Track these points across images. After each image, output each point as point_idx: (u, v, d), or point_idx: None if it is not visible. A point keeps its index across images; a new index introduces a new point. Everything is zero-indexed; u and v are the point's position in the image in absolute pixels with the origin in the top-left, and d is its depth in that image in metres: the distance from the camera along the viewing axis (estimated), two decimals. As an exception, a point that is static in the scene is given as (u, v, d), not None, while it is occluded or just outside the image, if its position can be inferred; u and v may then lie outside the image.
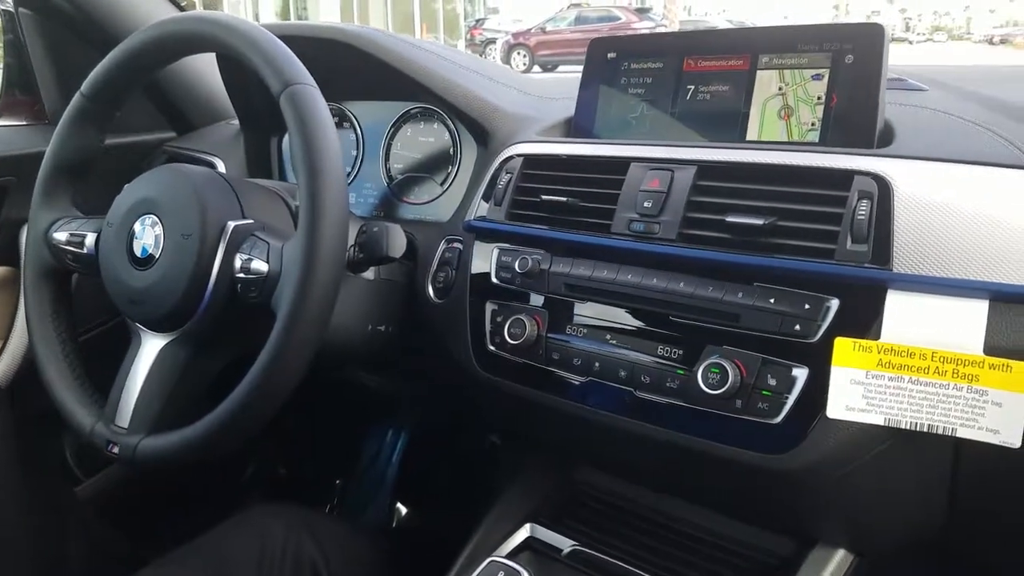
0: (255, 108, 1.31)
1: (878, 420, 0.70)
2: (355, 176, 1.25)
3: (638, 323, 0.84)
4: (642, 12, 18.90)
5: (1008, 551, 0.87)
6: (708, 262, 0.79)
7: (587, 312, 0.87)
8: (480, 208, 0.99)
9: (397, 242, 0.92)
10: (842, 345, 0.71)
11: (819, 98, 0.84)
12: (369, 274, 1.00)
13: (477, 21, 26.84)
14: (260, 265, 0.80)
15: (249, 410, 0.77)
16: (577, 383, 0.87)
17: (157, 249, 0.84)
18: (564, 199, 0.90)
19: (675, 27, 15.59)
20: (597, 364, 0.85)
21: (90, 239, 0.92)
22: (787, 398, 0.74)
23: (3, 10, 1.28)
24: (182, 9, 1.41)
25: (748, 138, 0.88)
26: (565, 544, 0.98)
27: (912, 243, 0.69)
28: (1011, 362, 0.66)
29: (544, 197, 0.91)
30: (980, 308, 0.67)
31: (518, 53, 17.98)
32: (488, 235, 0.97)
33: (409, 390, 1.36)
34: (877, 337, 0.70)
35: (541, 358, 0.89)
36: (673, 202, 0.82)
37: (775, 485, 0.79)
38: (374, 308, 1.02)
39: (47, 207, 0.95)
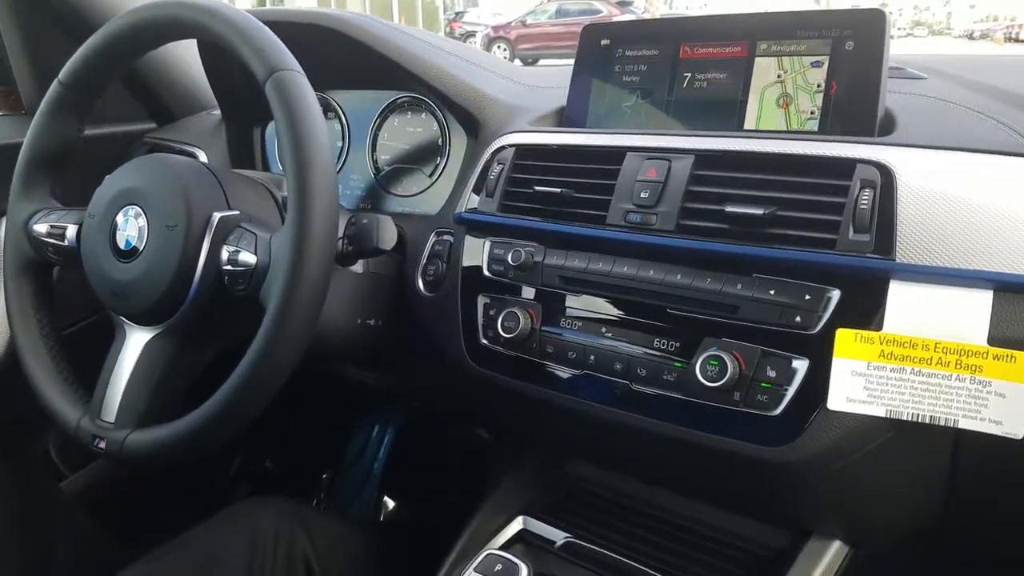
0: (237, 97, 1.28)
1: (879, 412, 0.69)
2: (341, 167, 1.23)
3: (634, 315, 0.82)
4: (623, 5, 18.84)
5: (1005, 540, 0.87)
6: (707, 253, 0.78)
7: (582, 305, 0.86)
8: (471, 200, 0.97)
9: (388, 234, 0.91)
10: (844, 336, 0.70)
11: (819, 86, 0.82)
12: (358, 267, 0.99)
13: (456, 14, 26.77)
14: (248, 257, 0.78)
15: (239, 404, 0.76)
16: (572, 376, 0.86)
17: (141, 241, 0.82)
18: (558, 190, 0.88)
19: (656, 20, 15.57)
20: (592, 357, 0.84)
21: (71, 231, 0.90)
22: (787, 390, 0.73)
23: (-24, -2, 1.25)
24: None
25: (746, 127, 0.86)
26: (558, 536, 0.97)
27: (915, 233, 0.69)
28: (1015, 353, 0.65)
29: (537, 188, 0.90)
30: (984, 298, 0.66)
31: (498, 47, 17.89)
32: (480, 227, 0.95)
33: (397, 384, 1.34)
34: (879, 328, 0.69)
35: (535, 351, 0.88)
36: (671, 192, 0.81)
37: (773, 478, 0.78)
38: (363, 302, 1.01)
39: (26, 198, 0.93)
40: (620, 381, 0.82)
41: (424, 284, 1.02)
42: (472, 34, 19.89)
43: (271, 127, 1.32)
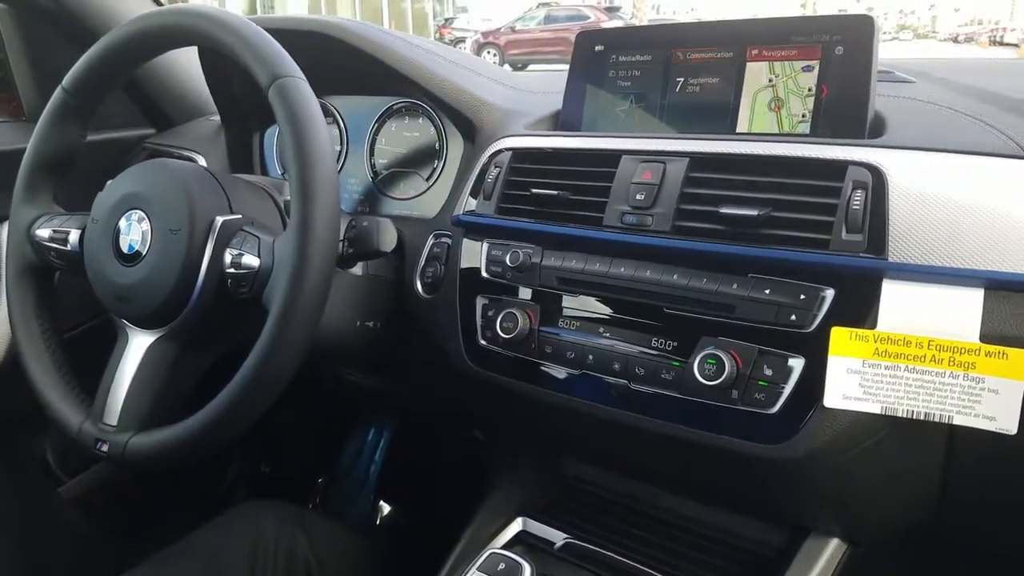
0: (237, 103, 1.29)
1: (875, 409, 0.70)
2: (339, 171, 1.24)
3: (632, 315, 0.83)
4: (611, 11, 18.92)
5: (999, 536, 0.88)
6: (702, 254, 0.79)
7: (580, 305, 0.87)
8: (468, 203, 0.98)
9: (388, 237, 0.92)
10: (839, 334, 0.71)
11: (809, 89, 0.84)
12: (357, 270, 1.00)
13: (446, 20, 26.79)
14: (251, 260, 0.79)
15: (242, 406, 0.76)
16: (571, 376, 0.87)
17: (144, 245, 0.83)
18: (555, 192, 0.89)
19: (645, 26, 15.61)
20: (591, 357, 0.85)
21: (74, 236, 0.90)
22: (783, 388, 0.74)
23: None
24: (161, 4, 1.39)
25: (738, 130, 0.88)
26: (558, 537, 0.97)
27: (907, 232, 0.70)
28: (1007, 349, 0.66)
29: (534, 191, 0.91)
30: (976, 296, 0.68)
31: (488, 52, 17.92)
32: (478, 230, 0.96)
33: (394, 387, 1.35)
34: (873, 326, 0.70)
35: (534, 352, 0.89)
36: (666, 194, 0.82)
37: (771, 475, 0.79)
38: (363, 304, 1.02)
39: (29, 203, 0.93)
40: (618, 380, 0.83)
41: (423, 286, 1.02)
42: (462, 40, 19.92)
43: (269, 132, 1.33)
